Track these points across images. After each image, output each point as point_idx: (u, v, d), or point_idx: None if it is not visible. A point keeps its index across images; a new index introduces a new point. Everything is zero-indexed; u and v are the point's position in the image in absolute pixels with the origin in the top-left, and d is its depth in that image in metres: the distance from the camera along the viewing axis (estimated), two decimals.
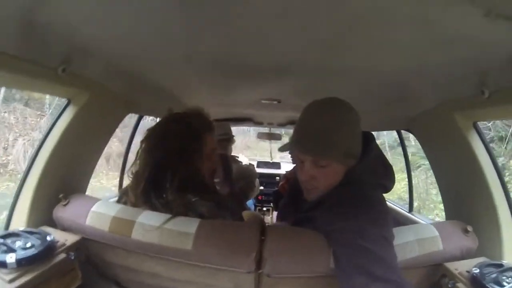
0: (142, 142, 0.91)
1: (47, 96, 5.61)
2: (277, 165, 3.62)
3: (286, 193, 1.24)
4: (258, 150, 8.96)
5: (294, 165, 1.90)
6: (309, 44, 0.76)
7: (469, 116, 0.99)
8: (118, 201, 0.97)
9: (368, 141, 0.81)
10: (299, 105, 1.76)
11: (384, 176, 0.82)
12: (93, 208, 0.85)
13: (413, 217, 1.70)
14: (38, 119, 5.20)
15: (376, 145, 0.83)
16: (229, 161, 1.72)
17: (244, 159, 2.97)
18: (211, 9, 0.60)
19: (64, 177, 0.99)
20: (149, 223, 0.79)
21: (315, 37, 0.71)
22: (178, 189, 0.83)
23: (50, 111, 5.26)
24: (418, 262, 0.80)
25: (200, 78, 1.27)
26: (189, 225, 0.78)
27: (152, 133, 0.92)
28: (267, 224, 0.88)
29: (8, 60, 0.67)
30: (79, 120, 0.98)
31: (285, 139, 3.87)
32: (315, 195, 0.82)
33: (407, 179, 1.90)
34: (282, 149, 0.92)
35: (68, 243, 0.79)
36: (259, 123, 2.75)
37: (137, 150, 0.93)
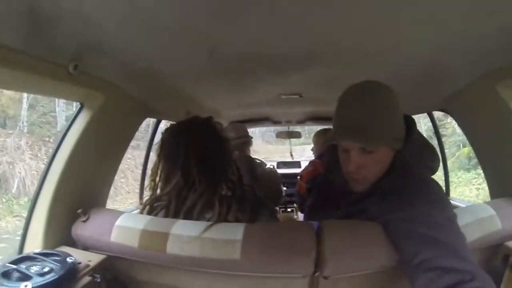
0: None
1: (23, 112, 5.41)
2: (297, 164, 3.50)
3: (312, 193, 1.18)
4: (265, 154, 8.88)
5: (308, 163, 1.81)
6: (346, 28, 0.72)
7: None
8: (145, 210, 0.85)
9: (409, 123, 0.77)
10: (320, 99, 1.73)
11: (430, 158, 0.80)
12: (118, 222, 0.76)
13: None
14: (6, 139, 4.99)
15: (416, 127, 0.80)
16: (254, 165, 1.62)
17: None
18: None
19: (81, 190, 0.89)
20: (186, 234, 0.68)
21: (353, 20, 0.68)
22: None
23: (25, 128, 5.05)
24: (478, 244, 0.75)
25: (219, 77, 1.20)
26: (233, 231, 0.68)
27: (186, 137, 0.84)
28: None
29: (11, 55, 0.58)
30: (94, 125, 0.89)
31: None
32: (364, 186, 0.77)
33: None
34: (329, 141, 0.84)
35: (92, 264, 0.69)
36: (277, 123, 2.64)
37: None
